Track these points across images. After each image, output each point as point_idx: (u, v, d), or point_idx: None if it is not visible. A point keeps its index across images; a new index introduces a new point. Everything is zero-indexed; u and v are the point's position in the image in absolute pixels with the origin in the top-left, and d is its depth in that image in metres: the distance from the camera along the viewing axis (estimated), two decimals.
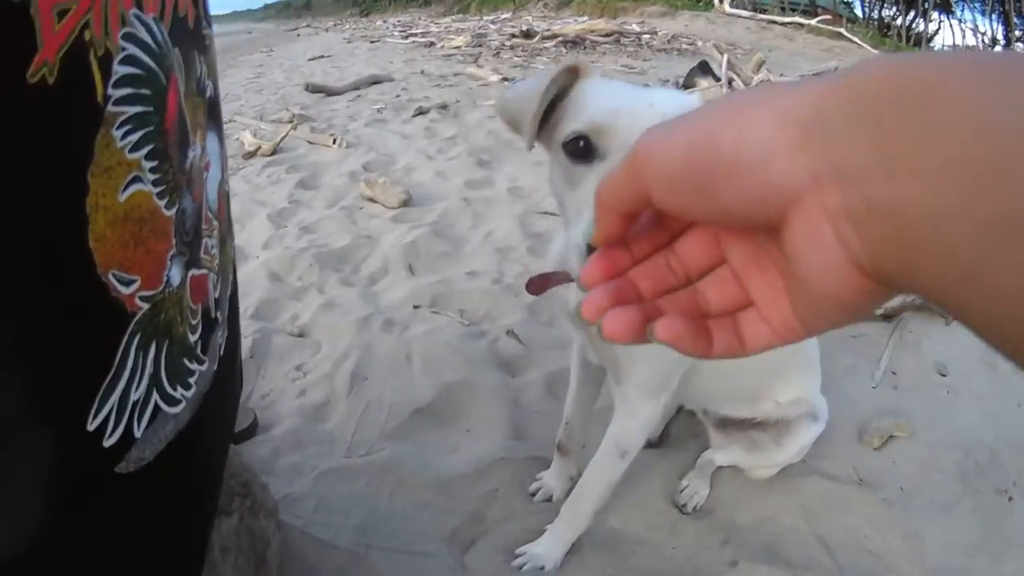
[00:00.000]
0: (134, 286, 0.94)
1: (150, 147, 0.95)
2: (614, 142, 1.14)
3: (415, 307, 3.26)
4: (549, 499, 2.14)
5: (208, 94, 1.28)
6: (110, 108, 0.86)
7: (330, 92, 9.90)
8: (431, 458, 2.30)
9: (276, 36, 35.48)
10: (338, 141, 6.55)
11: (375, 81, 10.56)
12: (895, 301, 3.04)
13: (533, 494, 2.17)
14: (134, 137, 0.91)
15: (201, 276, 1.18)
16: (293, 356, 2.96)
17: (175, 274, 1.05)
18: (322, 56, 16.72)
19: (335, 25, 38.80)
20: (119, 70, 0.88)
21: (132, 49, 0.91)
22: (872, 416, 2.43)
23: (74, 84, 0.80)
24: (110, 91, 0.86)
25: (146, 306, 0.97)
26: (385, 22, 33.30)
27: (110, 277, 0.88)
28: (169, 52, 1.03)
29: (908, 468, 2.25)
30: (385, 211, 4.63)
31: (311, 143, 6.75)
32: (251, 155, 6.43)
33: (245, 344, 2.98)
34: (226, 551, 1.56)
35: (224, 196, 1.42)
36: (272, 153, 6.42)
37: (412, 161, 5.84)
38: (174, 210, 1.03)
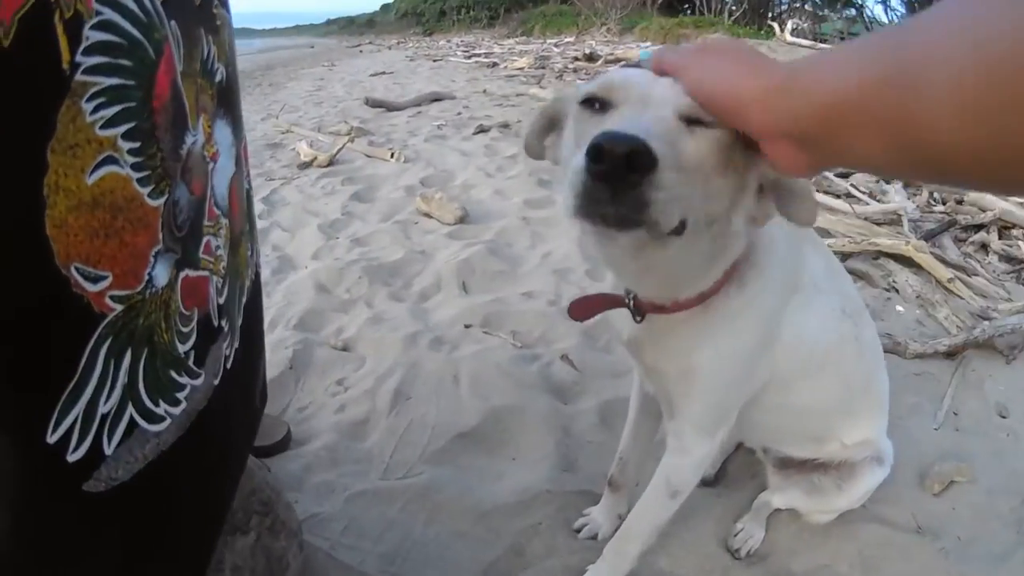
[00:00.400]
0: (104, 283, 0.82)
1: (130, 125, 0.84)
2: (628, 94, 1.07)
3: (466, 326, 3.17)
4: (594, 537, 2.04)
5: (218, 78, 1.19)
6: (79, 77, 0.77)
7: (390, 107, 9.95)
8: (472, 485, 2.21)
9: (338, 51, 36.17)
10: (396, 155, 6.55)
11: (436, 98, 10.61)
12: (958, 339, 3.01)
13: (578, 530, 2.06)
14: (108, 112, 0.80)
15: (198, 278, 1.07)
16: (335, 370, 2.89)
17: (160, 273, 0.93)
18: (384, 72, 16.92)
19: (398, 43, 39.38)
20: (91, 35, 0.78)
21: (109, 14, 0.81)
22: (934, 459, 2.34)
23: (33, 48, 0.71)
24: (79, 58, 0.77)
25: (120, 307, 0.86)
26: (448, 42, 33.79)
27: (72, 270, 0.77)
28: (161, 23, 0.92)
29: (966, 514, 2.15)
30: (441, 227, 4.58)
31: (368, 156, 6.76)
32: (306, 165, 6.46)
33: (286, 355, 2.94)
34: (238, 570, 1.52)
35: (240, 192, 1.31)
36: (328, 164, 6.44)
37: (471, 178, 5.79)
38: (161, 200, 0.92)
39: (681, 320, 1.39)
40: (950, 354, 2.99)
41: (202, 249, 1.09)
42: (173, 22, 0.97)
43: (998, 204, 4.46)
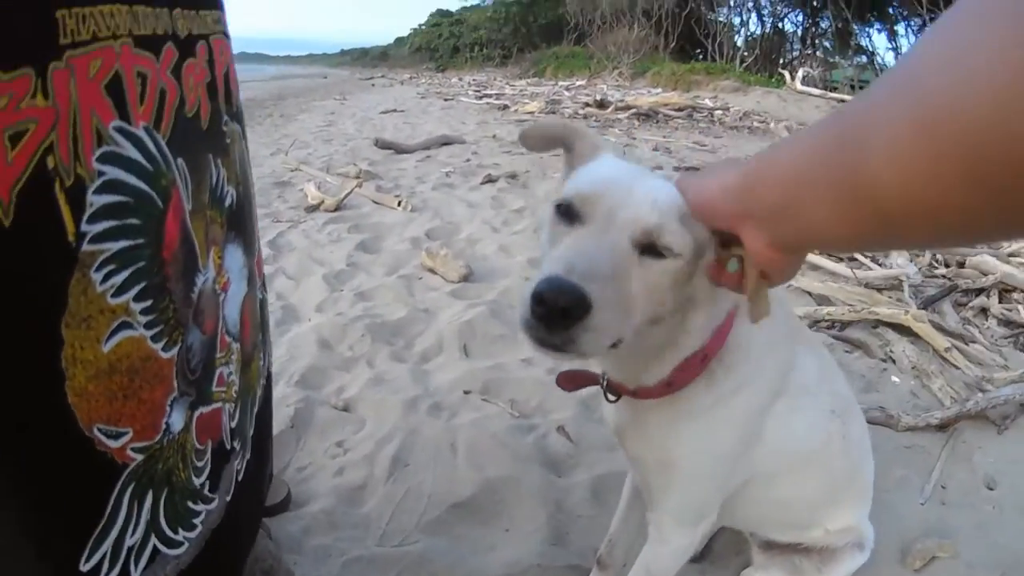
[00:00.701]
0: (124, 439, 0.87)
1: (141, 286, 0.87)
2: (596, 210, 1.17)
3: (465, 392, 3.20)
4: None
5: (229, 202, 1.21)
6: (86, 247, 0.79)
7: (400, 149, 10.01)
8: (465, 556, 2.23)
9: (351, 83, 36.36)
10: (403, 203, 6.57)
11: (446, 142, 10.67)
12: (951, 411, 3.02)
13: None
14: (119, 279, 0.83)
15: (212, 412, 1.11)
16: (335, 431, 2.93)
17: (176, 419, 0.98)
18: (394, 110, 17.07)
19: (410, 78, 39.57)
20: (95, 200, 0.80)
21: (113, 172, 0.83)
22: (917, 534, 2.36)
23: (36, 224, 0.73)
24: (84, 227, 0.78)
25: (140, 457, 0.91)
26: (460, 79, 33.91)
27: (95, 431, 0.82)
28: (167, 167, 0.95)
29: None
30: (444, 284, 4.60)
31: (376, 203, 6.78)
32: (314, 208, 6.51)
33: (287, 412, 2.96)
34: None
35: (252, 308, 1.34)
36: (335, 209, 6.48)
37: (476, 232, 5.81)
38: (175, 350, 0.96)
39: (655, 409, 1.46)
40: (942, 426, 3.01)
41: (215, 383, 1.13)
42: (180, 159, 1.00)
43: (1000, 268, 4.52)
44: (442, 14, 68.33)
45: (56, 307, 0.75)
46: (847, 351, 3.71)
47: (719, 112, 15.75)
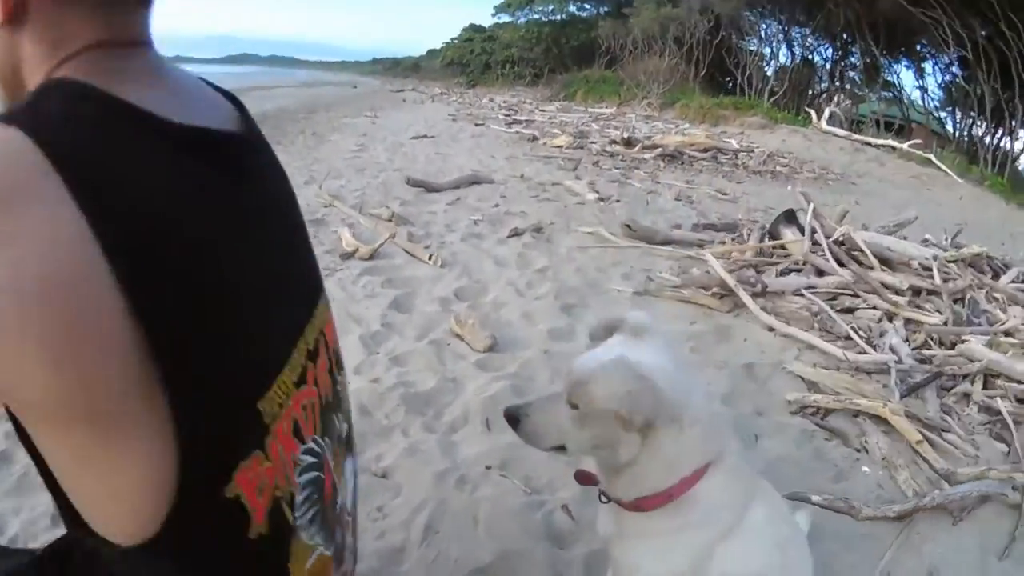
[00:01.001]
0: None
1: (320, 527, 1.37)
2: (566, 378, 1.88)
3: (487, 467, 3.52)
4: None
5: (344, 434, 1.65)
6: (297, 523, 1.27)
7: (430, 188, 10.25)
8: None
9: (381, 96, 36.12)
10: (434, 257, 6.70)
11: (475, 181, 10.92)
12: (909, 504, 3.32)
13: None
14: (312, 530, 1.33)
15: (346, 569, 1.61)
16: (376, 496, 3.28)
17: None
18: (425, 136, 17.32)
19: (441, 94, 39.33)
20: (299, 498, 1.27)
21: (304, 478, 1.30)
22: None
23: (277, 527, 1.19)
24: (296, 514, 1.26)
25: None
26: (492, 100, 33.94)
27: None
28: (322, 449, 1.41)
29: None
30: (471, 353, 4.88)
31: (408, 253, 6.95)
32: (349, 256, 6.67)
33: None
34: None
35: (356, 487, 1.79)
36: (370, 257, 6.64)
37: (501, 295, 6.11)
38: (333, 547, 1.45)
39: (632, 521, 1.94)
40: (899, 518, 3.27)
41: (347, 550, 1.60)
42: (325, 438, 1.42)
43: (986, 355, 4.79)
44: (475, 29, 68.93)
45: (287, 555, 1.22)
46: (826, 439, 4.01)
47: (743, 155, 16.00)
